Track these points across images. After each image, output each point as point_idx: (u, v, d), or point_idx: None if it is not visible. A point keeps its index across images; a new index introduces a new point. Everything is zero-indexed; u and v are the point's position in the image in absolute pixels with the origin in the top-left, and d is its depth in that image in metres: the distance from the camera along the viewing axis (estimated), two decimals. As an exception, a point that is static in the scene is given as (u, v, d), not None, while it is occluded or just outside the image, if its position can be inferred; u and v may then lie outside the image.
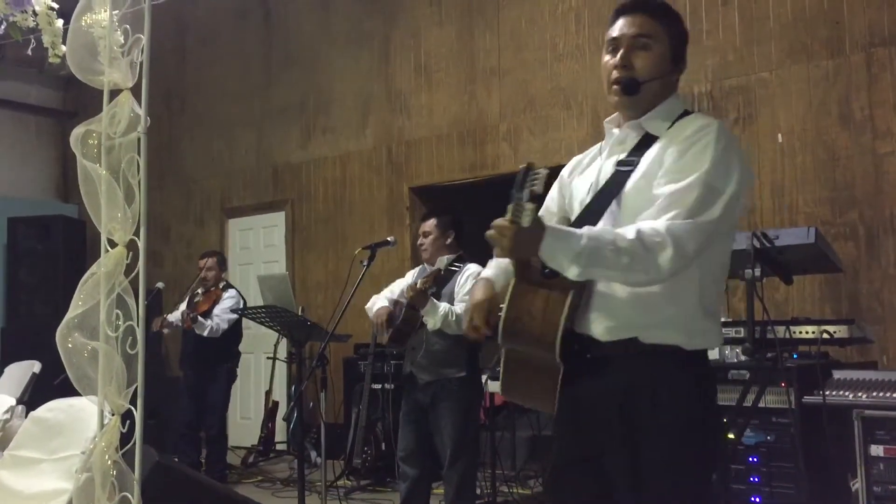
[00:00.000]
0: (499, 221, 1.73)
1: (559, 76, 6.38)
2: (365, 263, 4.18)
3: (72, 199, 9.48)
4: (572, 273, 1.75)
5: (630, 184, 1.90)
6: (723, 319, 5.07)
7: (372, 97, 7.52)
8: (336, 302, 4.13)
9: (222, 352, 6.03)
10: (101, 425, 2.27)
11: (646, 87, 1.92)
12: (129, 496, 2.20)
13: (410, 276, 4.32)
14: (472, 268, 4.07)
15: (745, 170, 1.87)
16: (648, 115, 1.96)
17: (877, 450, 3.45)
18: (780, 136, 5.35)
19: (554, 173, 1.88)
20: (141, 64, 2.31)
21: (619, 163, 1.95)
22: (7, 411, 3.44)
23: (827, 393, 3.55)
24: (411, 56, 7.28)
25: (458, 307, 3.92)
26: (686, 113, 1.98)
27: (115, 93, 2.35)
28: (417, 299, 3.85)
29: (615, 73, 1.95)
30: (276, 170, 8.22)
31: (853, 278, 5.00)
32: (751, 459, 3.72)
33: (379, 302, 4.16)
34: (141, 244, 2.29)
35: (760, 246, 3.16)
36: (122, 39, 2.34)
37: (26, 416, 3.31)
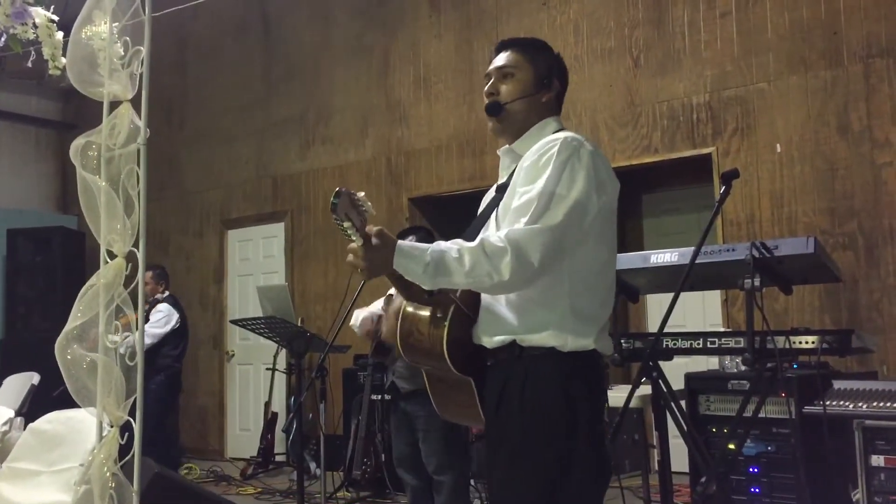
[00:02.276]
0: (350, 246, 1.88)
1: (558, 87, 6.38)
2: (364, 274, 4.18)
3: (71, 210, 9.48)
4: (425, 283, 1.90)
5: (500, 205, 2.09)
6: (721, 329, 5.11)
7: (371, 108, 7.54)
8: (335, 313, 4.13)
9: (150, 365, 6.03)
10: (100, 437, 2.26)
11: (510, 108, 2.14)
12: (128, 508, 2.19)
13: (391, 290, 4.34)
14: None
15: (600, 176, 1.98)
16: (520, 140, 2.15)
17: (877, 460, 3.45)
18: (778, 146, 5.36)
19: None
20: (141, 75, 2.32)
21: (498, 188, 2.17)
22: (6, 423, 3.43)
23: (827, 403, 3.55)
24: (410, 68, 7.30)
25: None
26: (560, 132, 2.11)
27: (114, 104, 2.36)
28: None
29: (485, 101, 2.18)
30: (275, 181, 8.23)
31: (852, 288, 5.00)
32: (751, 470, 3.72)
33: (361, 315, 4.21)
34: (140, 255, 2.29)
35: (759, 256, 3.16)
36: (121, 51, 2.35)
37: (25, 428, 3.30)
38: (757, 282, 3.12)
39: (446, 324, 1.98)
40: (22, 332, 8.69)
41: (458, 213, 6.75)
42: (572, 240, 1.95)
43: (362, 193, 1.86)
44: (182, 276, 8.75)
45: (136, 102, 2.35)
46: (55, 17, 3.16)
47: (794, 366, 3.79)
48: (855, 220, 5.07)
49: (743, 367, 3.66)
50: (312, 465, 6.60)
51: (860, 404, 3.54)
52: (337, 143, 7.78)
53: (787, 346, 3.43)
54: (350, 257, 1.89)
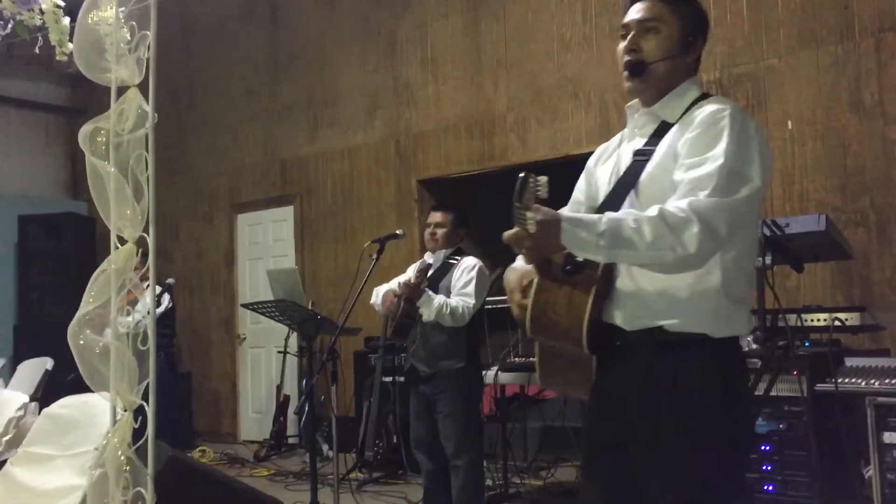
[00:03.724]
0: (509, 232, 1.75)
1: (566, 66, 6.36)
2: (374, 257, 4.19)
3: (81, 196, 9.52)
4: (598, 256, 1.77)
5: (644, 174, 1.92)
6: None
7: (379, 90, 7.51)
8: (345, 296, 4.14)
9: None
10: (114, 421, 2.28)
11: (654, 68, 1.95)
12: (143, 491, 2.20)
13: (411, 270, 4.37)
14: (467, 261, 4.15)
15: (765, 153, 1.86)
16: (662, 102, 1.98)
17: (890, 437, 3.44)
18: (789, 123, 5.32)
19: (559, 170, 1.87)
20: (148, 60, 2.31)
21: (637, 152, 1.98)
22: (21, 408, 3.46)
23: (839, 380, 3.54)
24: (418, 49, 7.27)
25: (454, 300, 3.98)
26: (703, 97, 1.98)
27: (122, 90, 2.36)
28: (412, 293, 3.94)
29: (625, 58, 1.99)
30: (283, 164, 8.23)
31: (864, 265, 4.97)
32: (763, 448, 3.72)
33: (382, 290, 4.22)
34: (150, 241, 2.30)
35: (771, 234, 3.15)
36: (128, 36, 2.34)
37: (39, 413, 3.33)
38: (768, 260, 3.11)
39: (588, 307, 1.84)
40: (35, 318, 8.75)
41: (467, 194, 6.74)
42: (748, 220, 1.85)
43: (544, 178, 1.73)
44: (193, 260, 8.79)
45: (143, 87, 2.35)
46: (61, 3, 3.16)
47: (806, 343, 3.78)
48: (867, 196, 5.03)
49: (755, 345, 3.65)
50: (325, 447, 6.64)
51: (872, 381, 3.53)
52: (345, 126, 7.76)
53: (799, 323, 3.42)
54: (509, 237, 1.77)
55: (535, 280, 1.91)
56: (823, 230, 3.26)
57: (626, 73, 1.99)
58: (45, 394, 5.39)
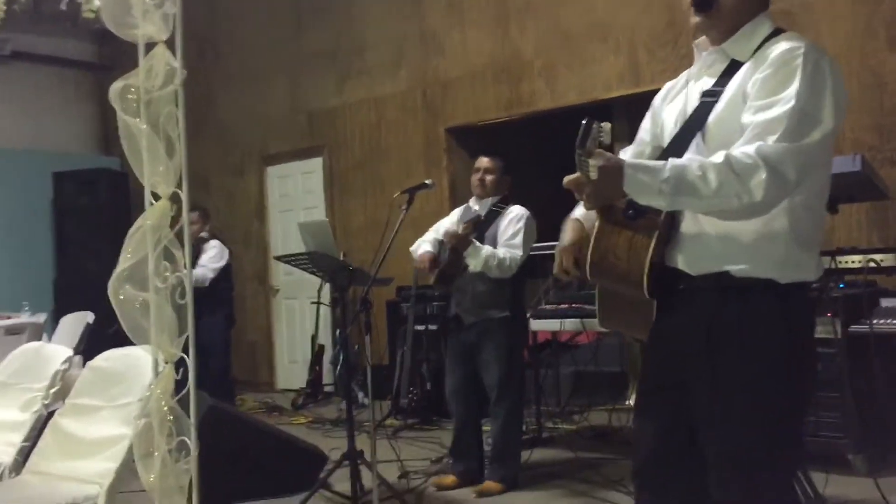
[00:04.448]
0: (570, 178, 1.73)
1: (594, 9, 6.23)
2: (404, 208, 4.19)
3: (114, 152, 9.60)
4: (661, 204, 1.73)
5: (712, 116, 1.87)
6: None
7: (405, 39, 7.44)
8: (376, 246, 4.16)
9: (213, 300, 6.19)
10: (156, 373, 2.34)
11: (722, 1, 1.88)
12: (187, 440, 2.28)
13: (456, 214, 4.37)
14: (515, 210, 4.13)
15: (839, 93, 1.79)
16: (732, 40, 1.91)
17: (925, 377, 3.43)
18: (824, 61, 5.19)
19: (588, 115, 1.84)
20: (174, 16, 2.31)
21: (704, 93, 1.92)
22: (65, 361, 3.55)
23: (874, 321, 3.52)
24: (443, -6, 7.17)
25: (501, 251, 3.97)
26: (776, 33, 1.90)
27: (150, 46, 2.36)
28: (460, 243, 3.93)
29: None
30: (310, 116, 8.22)
31: (901, 205, 4.89)
32: (796, 390, 3.72)
33: (423, 246, 4.23)
34: (184, 196, 2.33)
35: (804, 176, 3.10)
36: (153, -9, 2.34)
37: (83, 366, 3.41)
38: (802, 202, 3.07)
39: (650, 251, 1.82)
40: (73, 273, 8.93)
41: (496, 142, 6.70)
42: (818, 163, 1.80)
43: (608, 125, 1.70)
44: (225, 214, 8.86)
45: (170, 43, 2.35)
46: (86, -40, 3.15)
47: (841, 285, 3.75)
48: (904, 134, 4.93)
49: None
50: (360, 395, 6.75)
51: (908, 322, 3.50)
52: (372, 76, 7.71)
53: (833, 266, 3.39)
54: (570, 182, 1.74)
55: (597, 223, 1.90)
56: (859, 170, 3.21)
57: (692, 9, 1.91)
58: (88, 347, 5.53)
